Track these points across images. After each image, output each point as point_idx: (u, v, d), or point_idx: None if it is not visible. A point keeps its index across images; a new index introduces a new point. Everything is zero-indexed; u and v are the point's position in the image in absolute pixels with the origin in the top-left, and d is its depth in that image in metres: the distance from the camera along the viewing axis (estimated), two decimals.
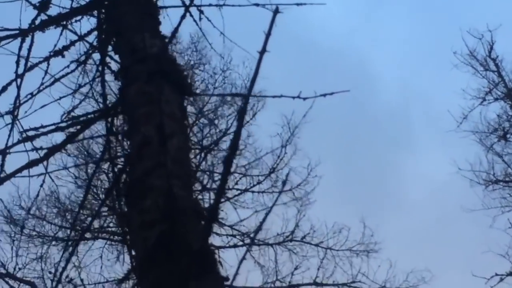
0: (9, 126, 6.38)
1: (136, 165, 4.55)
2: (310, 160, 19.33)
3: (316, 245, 19.37)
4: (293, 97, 5.41)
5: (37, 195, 6.49)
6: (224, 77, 19.76)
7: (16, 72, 6.54)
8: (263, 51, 3.89)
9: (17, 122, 6.29)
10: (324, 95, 5.34)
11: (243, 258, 4.68)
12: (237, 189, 18.95)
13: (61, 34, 6.68)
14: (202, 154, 18.41)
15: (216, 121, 19.14)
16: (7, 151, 5.92)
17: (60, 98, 6.75)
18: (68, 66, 6.39)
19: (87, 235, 16.43)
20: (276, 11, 3.95)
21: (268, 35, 3.89)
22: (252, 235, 18.41)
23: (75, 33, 6.31)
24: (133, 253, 4.43)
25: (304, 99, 5.34)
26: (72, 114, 6.47)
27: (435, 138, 31.57)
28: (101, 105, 6.53)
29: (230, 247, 18.27)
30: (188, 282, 3.84)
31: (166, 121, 4.46)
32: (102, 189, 16.25)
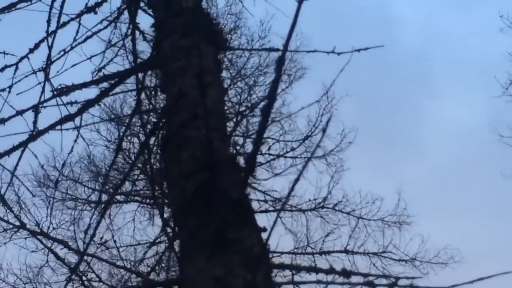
0: (41, 84, 6.42)
1: (173, 118, 4.56)
2: (343, 127, 19.29)
3: (348, 213, 19.35)
4: (328, 52, 5.40)
5: (71, 151, 6.51)
6: (262, 44, 19.70)
7: (47, 30, 6.54)
8: (301, 0, 3.85)
9: (49, 80, 6.31)
10: (359, 50, 5.30)
11: (275, 222, 4.68)
12: (271, 154, 18.99)
13: None
14: (237, 118, 18.37)
15: (253, 88, 19.10)
16: (40, 106, 5.93)
17: (92, 56, 6.77)
18: (100, 23, 6.40)
19: (119, 197, 16.56)
20: None
21: None
22: (283, 200, 18.43)
23: None
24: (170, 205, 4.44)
25: (339, 54, 5.33)
26: (103, 71, 6.50)
27: (457, 83, 31.40)
28: (132, 64, 6.50)
29: (261, 212, 18.29)
30: (227, 230, 3.85)
31: (204, 73, 4.45)
32: (134, 151, 16.32)
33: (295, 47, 14.64)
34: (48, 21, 6.55)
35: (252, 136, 18.10)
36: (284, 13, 6.87)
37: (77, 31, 6.61)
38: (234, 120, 17.80)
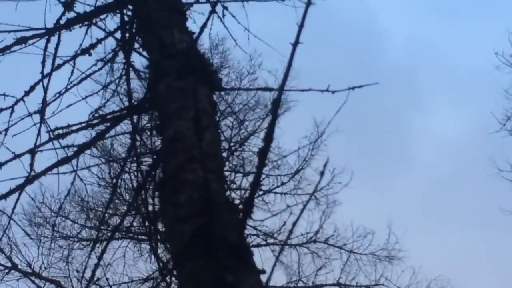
0: (37, 125, 6.43)
1: (169, 160, 4.56)
2: (334, 166, 19.40)
3: (340, 247, 19.43)
4: (322, 91, 5.40)
5: (68, 194, 6.52)
6: (251, 79, 19.84)
7: (42, 71, 6.56)
8: (296, 43, 3.88)
9: (45, 121, 6.32)
10: (353, 88, 5.31)
11: (274, 265, 4.67)
12: (261, 189, 19.02)
13: (86, 33, 6.72)
14: (227, 153, 18.45)
15: (244, 122, 19.18)
16: (36, 149, 5.94)
17: (87, 96, 6.79)
18: (95, 64, 6.43)
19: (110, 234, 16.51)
20: (308, 3, 3.94)
21: (301, 26, 3.88)
22: (277, 236, 18.47)
23: (103, 29, 6.32)
24: (157, 251, 4.44)
25: (333, 92, 5.34)
26: (100, 112, 6.51)
27: (445, 94, 31.44)
28: (126, 103, 6.53)
29: (253, 246, 18.30)
30: (225, 274, 3.84)
31: (200, 115, 4.46)
32: (126, 189, 16.32)
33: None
34: (43, 63, 6.57)
35: (241, 170, 18.17)
36: (274, 48, 6.92)
37: (72, 72, 6.63)
38: (225, 155, 17.85)
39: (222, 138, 18.08)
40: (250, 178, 18.18)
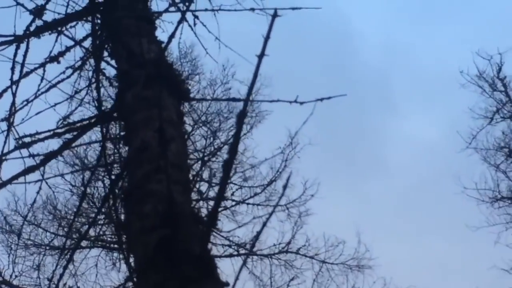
0: (5, 133, 6.38)
1: (134, 170, 4.54)
2: (307, 178, 19.45)
3: (311, 257, 19.45)
4: (290, 102, 5.42)
5: (34, 202, 6.47)
6: (225, 89, 19.83)
7: (11, 78, 6.52)
8: (262, 55, 3.88)
9: (12, 128, 6.28)
10: (321, 99, 5.33)
11: (237, 277, 4.70)
12: (233, 200, 19.00)
13: (56, 40, 6.68)
14: (201, 163, 18.42)
15: (216, 132, 19.17)
16: (3, 158, 5.89)
17: (56, 104, 6.74)
18: (64, 72, 6.39)
19: (83, 243, 16.39)
20: (274, 15, 3.95)
21: (267, 38, 3.89)
22: (248, 247, 18.45)
23: (71, 38, 6.29)
24: (132, 258, 4.42)
25: (301, 103, 5.35)
26: (68, 120, 6.47)
27: (418, 98, 31.57)
28: (96, 112, 6.49)
29: (225, 256, 18.29)
30: (189, 286, 3.83)
31: (165, 126, 4.44)
32: (98, 197, 16.23)
33: (256, 90, 14.70)
34: (12, 70, 6.52)
35: (214, 182, 18.15)
36: (246, 58, 6.91)
37: (42, 80, 6.59)
38: (198, 165, 17.84)
39: (195, 148, 18.09)
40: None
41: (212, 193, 18.13)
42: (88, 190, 15.51)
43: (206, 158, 18.75)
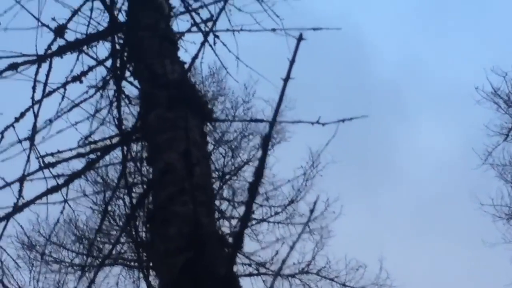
0: (27, 151, 6.40)
1: (159, 192, 4.56)
2: (328, 196, 19.42)
3: (332, 279, 19.36)
4: (312, 123, 5.43)
5: (57, 222, 6.49)
6: (246, 108, 19.86)
7: (32, 97, 6.54)
8: (287, 78, 3.90)
9: (34, 148, 6.30)
10: (343, 120, 5.35)
11: None
12: (254, 219, 18.97)
13: (77, 58, 6.71)
14: (221, 182, 18.41)
15: (237, 151, 19.17)
16: (27, 178, 5.92)
17: (77, 123, 6.76)
18: (87, 92, 6.43)
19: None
20: (300, 39, 3.96)
21: (292, 62, 3.91)
22: (268, 266, 18.43)
23: (94, 58, 6.32)
24: (157, 280, 4.43)
25: (323, 124, 5.37)
26: (90, 139, 6.50)
27: (432, 111, 31.49)
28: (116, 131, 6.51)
29: (245, 275, 18.26)
30: None
31: (191, 147, 4.46)
32: (119, 215, 16.26)
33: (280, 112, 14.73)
34: (33, 89, 6.55)
35: (235, 201, 18.15)
36: (267, 79, 6.91)
37: (62, 99, 6.61)
38: (218, 184, 17.83)
39: (214, 168, 18.10)
40: (241, 208, 18.19)
41: (233, 212, 18.17)
42: (109, 208, 15.51)
43: (226, 177, 18.74)
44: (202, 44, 5.18)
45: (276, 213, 19.23)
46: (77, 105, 6.39)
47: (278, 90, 3.92)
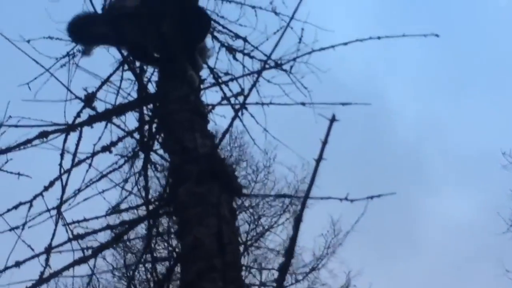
0: (54, 218, 6.41)
1: (188, 267, 4.55)
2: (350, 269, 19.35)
3: None
4: (341, 199, 5.43)
5: None
6: (267, 173, 19.92)
7: (60, 165, 6.57)
8: (319, 159, 3.93)
9: (62, 217, 6.32)
10: (372, 197, 5.36)
11: None
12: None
13: (105, 126, 6.76)
14: (243, 248, 18.42)
15: (260, 219, 19.21)
16: (52, 249, 5.92)
17: (104, 191, 6.79)
18: (116, 163, 6.47)
19: None
20: (332, 120, 3.99)
21: (325, 143, 3.93)
22: None
23: (122, 129, 6.37)
24: None
25: (352, 201, 5.37)
26: (117, 209, 6.53)
27: (453, 177, 31.26)
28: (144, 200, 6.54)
29: None
30: None
31: (222, 225, 4.48)
32: (142, 282, 16.17)
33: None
34: (62, 156, 6.57)
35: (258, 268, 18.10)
36: (286, 145, 6.92)
37: (90, 166, 6.64)
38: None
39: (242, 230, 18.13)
40: (264, 274, 18.18)
41: (254, 280, 18.12)
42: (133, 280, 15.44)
43: (249, 243, 18.74)
44: (233, 119, 5.23)
45: (297, 281, 19.16)
46: (105, 175, 6.42)
47: (309, 168, 3.94)
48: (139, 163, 6.83)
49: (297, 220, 3.95)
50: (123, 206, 6.84)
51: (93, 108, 6.57)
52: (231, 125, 5.15)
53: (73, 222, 6.22)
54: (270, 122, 7.23)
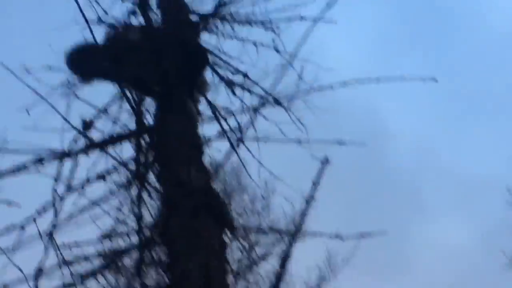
0: (45, 243, 6.42)
1: None
2: None
3: None
4: (331, 237, 5.49)
5: None
6: (263, 205, 19.85)
7: (54, 192, 6.57)
8: (310, 199, 4.00)
9: (54, 242, 6.33)
10: (362, 236, 5.43)
11: None
12: None
13: (100, 155, 6.78)
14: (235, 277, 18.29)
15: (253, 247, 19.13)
16: (45, 272, 5.95)
17: (97, 218, 6.79)
18: (111, 193, 6.48)
19: None
20: (325, 161, 4.07)
21: (316, 184, 4.01)
22: None
23: (117, 160, 6.40)
24: None
25: (343, 239, 5.43)
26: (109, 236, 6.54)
27: (448, 204, 31.00)
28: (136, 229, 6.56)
29: None
30: None
31: (209, 257, 4.54)
32: None
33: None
34: (56, 181, 6.57)
35: None
36: (281, 179, 6.92)
37: (83, 193, 6.65)
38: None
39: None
40: None
41: None
42: None
43: (240, 272, 18.66)
44: (230, 153, 5.29)
45: None
46: (98, 204, 6.44)
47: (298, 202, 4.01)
48: (133, 192, 6.84)
49: (284, 258, 4.02)
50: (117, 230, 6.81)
51: (89, 138, 6.61)
52: (227, 159, 5.22)
53: (65, 245, 6.22)
54: (268, 155, 7.24)
